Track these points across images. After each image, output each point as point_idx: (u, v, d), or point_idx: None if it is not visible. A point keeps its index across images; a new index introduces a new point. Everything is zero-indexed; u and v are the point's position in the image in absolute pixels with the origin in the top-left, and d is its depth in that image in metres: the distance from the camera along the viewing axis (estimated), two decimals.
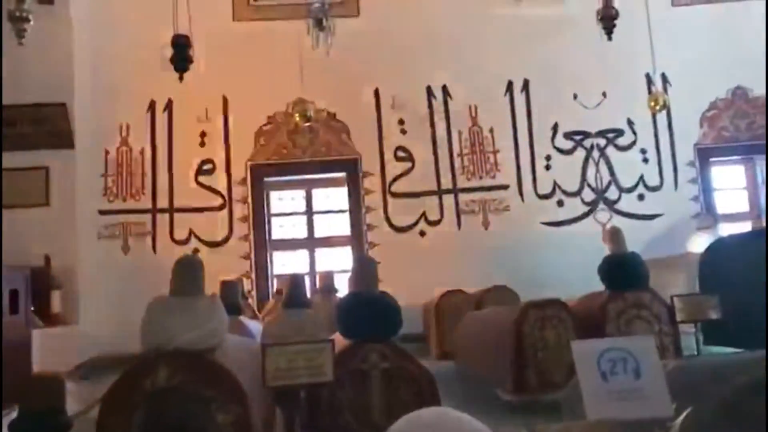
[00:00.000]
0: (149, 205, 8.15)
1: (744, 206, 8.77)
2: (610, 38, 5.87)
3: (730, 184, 8.83)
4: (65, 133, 7.39)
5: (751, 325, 4.55)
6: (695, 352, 3.95)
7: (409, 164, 8.32)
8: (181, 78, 5.16)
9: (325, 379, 2.48)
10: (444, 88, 8.44)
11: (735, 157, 8.76)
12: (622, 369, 1.32)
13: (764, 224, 8.32)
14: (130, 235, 8.03)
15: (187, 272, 2.67)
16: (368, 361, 2.89)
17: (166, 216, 8.13)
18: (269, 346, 2.46)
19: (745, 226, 8.49)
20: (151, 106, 8.30)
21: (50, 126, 7.41)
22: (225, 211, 8.18)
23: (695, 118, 8.57)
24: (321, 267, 8.17)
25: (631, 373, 1.32)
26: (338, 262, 8.15)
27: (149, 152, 8.25)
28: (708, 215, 8.14)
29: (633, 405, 1.27)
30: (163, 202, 8.16)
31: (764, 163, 8.63)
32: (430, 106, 8.43)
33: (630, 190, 8.43)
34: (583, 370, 1.33)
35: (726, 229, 7.83)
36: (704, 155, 8.56)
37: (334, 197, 8.57)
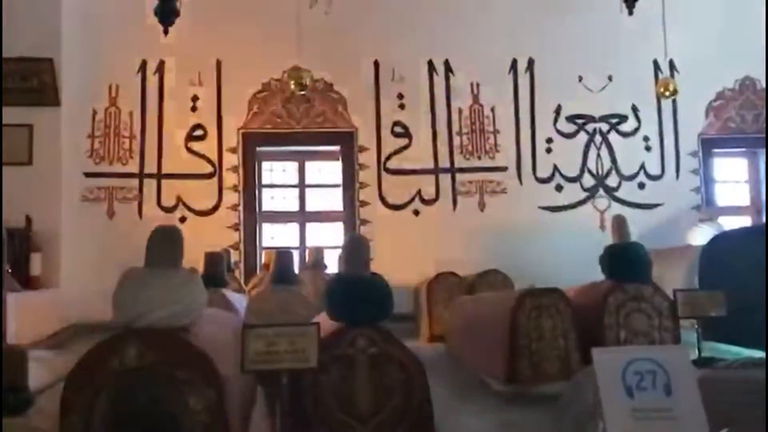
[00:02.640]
0: (136, 170, 7.91)
1: (745, 200, 8.61)
2: (631, 12, 5.63)
3: (732, 177, 8.66)
4: (51, 90, 7.13)
5: (752, 322, 4.42)
6: (696, 348, 3.79)
7: (406, 140, 8.09)
8: (165, 32, 4.87)
9: (308, 365, 2.29)
10: (446, 63, 8.18)
11: (739, 150, 8.58)
12: (650, 383, 1.14)
13: (765, 219, 8.19)
14: (116, 199, 7.80)
15: (164, 243, 2.47)
16: (355, 346, 2.71)
17: (154, 181, 7.89)
18: (248, 328, 2.27)
19: (745, 221, 8.37)
20: (142, 67, 8.02)
21: (36, 82, 7.15)
22: (215, 179, 7.96)
23: (701, 108, 8.37)
24: (311, 242, 7.99)
25: (661, 388, 1.13)
26: (329, 238, 7.98)
27: (138, 115, 7.99)
28: (710, 207, 7.98)
29: (662, 426, 1.08)
30: (151, 167, 7.92)
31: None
32: (431, 81, 8.18)
33: (630, 178, 8.26)
34: (606, 383, 1.14)
35: (725, 223, 7.67)
36: (708, 146, 8.38)
37: (327, 171, 8.35)
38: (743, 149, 8.57)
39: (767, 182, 8.21)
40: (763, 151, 8.44)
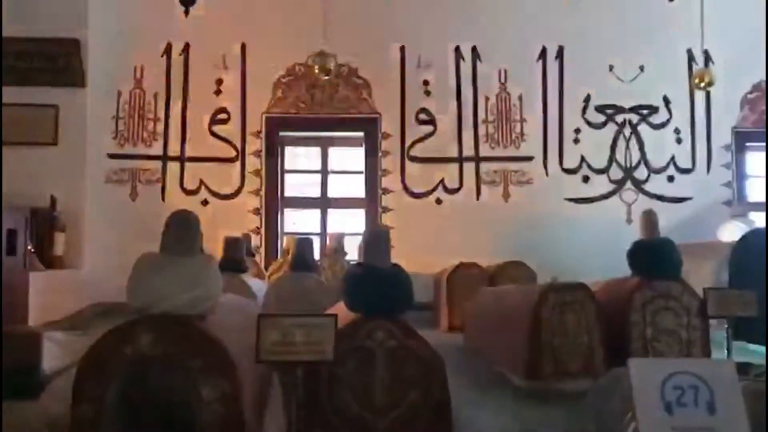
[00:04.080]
0: (160, 152, 7.91)
1: None
2: None
3: (765, 172, 8.39)
4: (77, 71, 7.15)
5: None
6: (725, 349, 3.67)
7: (430, 128, 7.98)
8: (186, 12, 4.80)
9: (324, 358, 2.24)
10: (474, 50, 8.03)
11: None
12: (692, 400, 1.04)
13: (765, 218, 7.94)
14: (139, 181, 7.82)
15: (181, 229, 2.41)
16: (374, 338, 2.65)
17: (177, 164, 7.89)
18: (264, 317, 2.21)
19: None
20: (168, 50, 7.99)
21: (62, 63, 7.17)
22: (237, 164, 7.93)
23: (735, 100, 8.12)
24: (332, 228, 7.94)
25: (704, 406, 1.04)
26: (350, 225, 7.92)
27: (163, 97, 7.98)
28: (742, 203, 7.77)
29: None
30: (174, 149, 7.93)
31: None
32: (458, 68, 8.04)
33: (660, 171, 8.06)
34: (642, 397, 1.05)
35: (757, 219, 7.45)
36: (741, 139, 8.14)
37: (350, 157, 8.28)
38: None
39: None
40: None
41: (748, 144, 8.17)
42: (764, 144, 8.28)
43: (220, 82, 7.99)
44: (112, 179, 7.76)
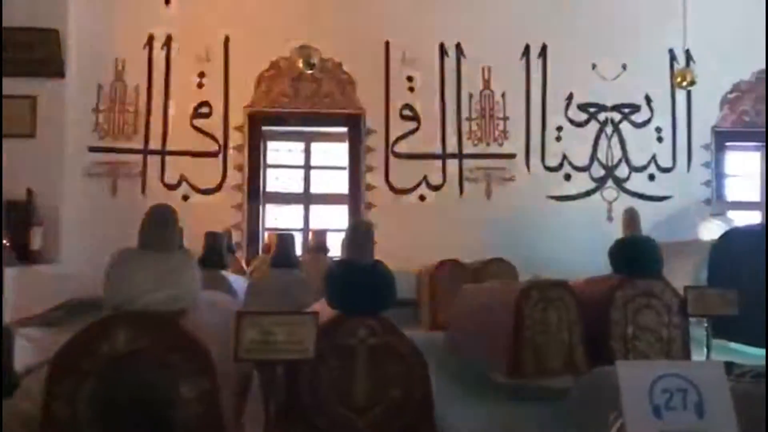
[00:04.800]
0: (141, 146, 7.80)
1: (755, 195, 8.47)
2: None
3: (744, 172, 8.51)
4: (56, 62, 7.01)
5: (763, 322, 4.32)
6: (705, 347, 3.70)
7: (414, 124, 7.96)
8: (167, 2, 4.72)
9: (305, 356, 2.21)
10: (458, 47, 8.03)
11: (752, 144, 8.42)
12: (680, 403, 1.03)
13: (765, 217, 8.06)
14: (119, 175, 7.71)
15: (159, 224, 2.37)
16: (355, 336, 2.63)
17: (158, 158, 7.79)
18: (243, 315, 2.18)
19: (755, 216, 8.23)
20: (149, 41, 7.88)
21: (40, 53, 7.02)
22: (219, 158, 7.85)
23: (716, 100, 8.21)
24: (315, 224, 7.90)
25: (693, 409, 1.03)
26: (333, 221, 7.88)
27: (144, 90, 7.87)
28: (721, 202, 7.86)
29: None
30: (155, 143, 7.82)
31: None
32: (442, 64, 8.02)
33: (641, 169, 8.12)
34: (631, 401, 1.03)
35: (735, 218, 7.54)
36: (721, 139, 8.23)
37: (333, 153, 8.23)
38: (757, 143, 8.40)
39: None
40: None
41: (727, 144, 8.27)
42: (743, 144, 8.40)
43: (202, 75, 7.91)
44: (92, 173, 7.65)
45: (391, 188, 7.89)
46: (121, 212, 7.22)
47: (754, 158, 8.51)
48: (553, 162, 8.06)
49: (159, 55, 7.89)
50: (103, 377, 2.07)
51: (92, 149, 7.68)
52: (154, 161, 7.79)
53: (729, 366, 2.05)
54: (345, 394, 2.60)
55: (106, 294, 2.22)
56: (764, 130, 8.19)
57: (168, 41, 7.89)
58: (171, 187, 7.74)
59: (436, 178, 7.92)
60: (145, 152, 7.80)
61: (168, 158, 7.80)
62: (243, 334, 2.17)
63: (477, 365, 4.21)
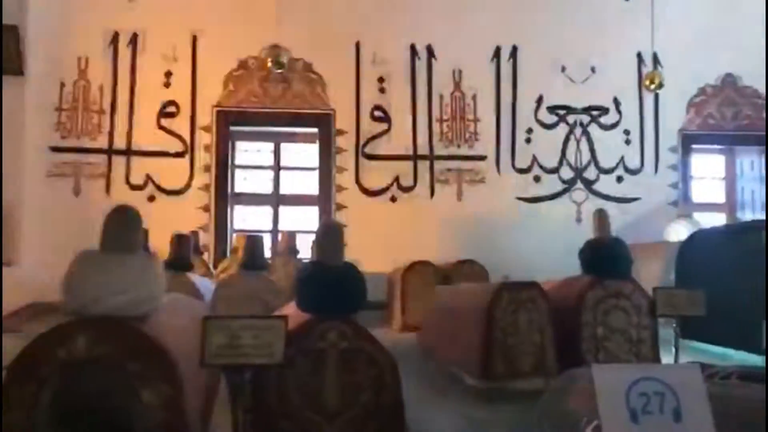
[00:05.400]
0: (105, 145, 7.64)
1: (721, 197, 8.63)
2: None
3: (709, 174, 8.66)
4: (15, 59, 6.81)
5: (729, 322, 4.37)
6: (673, 347, 3.72)
7: (385, 125, 7.93)
8: None
9: (274, 361, 2.14)
10: (429, 48, 8.02)
11: (717, 147, 8.58)
12: (657, 407, 1.00)
13: (739, 217, 8.21)
14: (83, 175, 7.53)
15: (121, 225, 2.28)
16: (325, 340, 2.57)
17: (123, 158, 7.64)
18: (210, 320, 2.11)
19: (720, 218, 8.39)
20: (114, 39, 7.72)
21: None
22: (186, 158, 7.72)
23: (682, 103, 8.34)
24: (285, 226, 7.81)
25: (670, 413, 1.00)
26: (303, 222, 7.80)
27: (109, 89, 7.70)
28: (687, 203, 7.98)
29: None
30: (120, 143, 7.66)
31: (745, 155, 8.49)
32: (413, 66, 8.01)
33: (609, 172, 8.21)
34: (607, 406, 1.00)
35: (701, 220, 7.67)
36: (687, 142, 8.36)
37: (303, 153, 8.15)
38: (721, 146, 8.57)
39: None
40: (741, 148, 8.47)
41: (693, 146, 8.40)
42: (708, 147, 8.55)
43: (169, 74, 7.77)
44: (54, 173, 7.46)
45: (362, 189, 7.84)
46: (85, 213, 7.05)
47: (719, 161, 8.67)
48: (523, 164, 8.10)
49: (124, 53, 7.74)
50: (61, 384, 1.98)
51: (54, 149, 7.50)
52: (119, 161, 7.63)
53: (702, 367, 2.04)
54: (314, 400, 2.54)
55: (65, 298, 2.13)
56: (729, 133, 8.36)
57: (134, 39, 7.74)
58: (136, 188, 7.59)
59: (407, 180, 7.90)
60: (109, 152, 7.63)
61: (133, 158, 7.65)
62: (209, 339, 2.09)
63: (448, 367, 4.18)
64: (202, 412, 2.50)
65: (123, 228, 2.28)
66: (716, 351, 4.76)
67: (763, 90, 8.29)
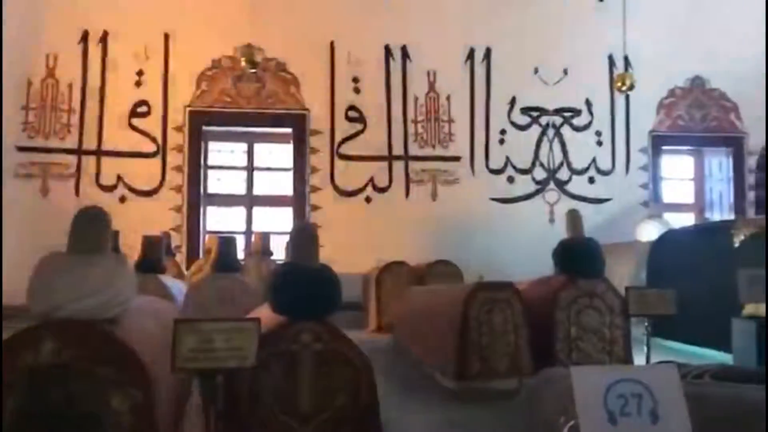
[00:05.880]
0: (75, 145, 7.50)
1: (690, 198, 8.78)
2: None
3: (679, 174, 8.80)
4: None
5: (699, 321, 4.44)
6: (644, 346, 3.76)
7: (360, 126, 7.91)
8: None
9: (246, 364, 2.11)
10: (403, 49, 8.02)
11: (686, 148, 8.73)
12: (635, 409, 1.00)
13: (708, 217, 8.36)
14: (51, 176, 7.38)
15: (89, 226, 2.23)
16: (299, 342, 2.53)
17: (93, 158, 7.51)
18: (181, 323, 2.07)
19: (689, 218, 8.53)
20: (84, 37, 7.59)
21: None
22: (158, 159, 7.62)
23: (653, 105, 8.47)
24: (258, 227, 7.74)
25: (647, 414, 1.00)
26: (277, 223, 7.75)
27: (78, 87, 7.56)
28: (657, 204, 8.10)
29: None
30: (90, 143, 7.53)
31: (713, 156, 8.65)
32: (388, 66, 8.00)
33: (581, 172, 8.30)
34: (585, 408, 1.00)
35: (671, 219, 7.79)
36: (657, 143, 8.49)
37: (277, 153, 8.10)
38: (690, 147, 8.72)
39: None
40: (709, 149, 8.63)
41: (663, 147, 8.53)
42: (677, 148, 8.69)
43: (141, 73, 7.67)
44: (20, 173, 7.31)
45: (337, 190, 7.81)
46: (53, 215, 6.88)
47: (688, 162, 8.82)
48: (496, 165, 8.14)
49: (94, 51, 7.61)
50: (27, 390, 1.93)
51: (21, 149, 7.35)
52: (89, 162, 7.50)
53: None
54: (288, 403, 2.51)
55: (30, 301, 2.07)
56: (698, 135, 8.50)
57: (104, 37, 7.61)
58: (107, 189, 7.47)
59: (382, 180, 7.89)
60: (79, 152, 7.50)
61: (104, 159, 7.53)
62: (181, 343, 2.05)
63: (424, 368, 4.17)
64: (173, 417, 2.46)
65: (91, 229, 2.23)
66: (687, 349, 4.84)
67: (730, 93, 8.44)
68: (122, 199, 7.44)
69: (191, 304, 3.85)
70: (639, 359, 3.88)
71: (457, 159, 8.07)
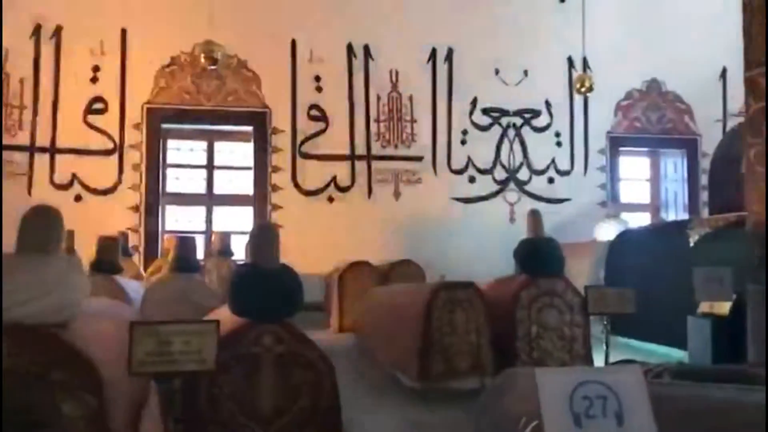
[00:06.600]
0: (27, 142, 7.27)
1: (646, 198, 8.97)
2: None
3: (636, 175, 8.99)
4: None
5: (655, 318, 4.53)
6: (604, 344, 3.82)
7: (322, 124, 7.86)
8: None
9: (206, 367, 2.07)
10: (366, 48, 8.00)
11: (643, 149, 8.91)
12: (600, 411, 1.00)
13: (663, 217, 8.55)
14: (2, 174, 7.13)
15: (40, 226, 2.14)
16: (260, 344, 2.49)
17: (46, 156, 7.29)
18: (137, 325, 2.01)
19: (645, 218, 8.72)
20: (37, 31, 7.36)
21: None
22: (115, 157, 7.44)
23: (610, 106, 8.62)
24: (218, 226, 7.63)
25: (613, 417, 1.00)
26: (238, 223, 7.64)
27: (31, 83, 7.34)
28: (615, 204, 8.25)
29: None
30: (43, 140, 7.31)
31: (668, 157, 8.86)
32: (350, 65, 7.97)
33: (541, 173, 8.40)
34: (550, 411, 0.99)
35: (628, 219, 7.95)
36: (615, 144, 8.65)
37: (238, 152, 7.99)
38: (647, 149, 8.90)
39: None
40: (665, 150, 8.84)
41: (621, 148, 8.70)
42: (634, 149, 8.87)
43: (96, 69, 7.47)
44: None
45: (299, 189, 7.75)
46: (4, 215, 6.67)
47: (645, 163, 9.01)
48: (458, 165, 8.18)
49: (48, 45, 7.38)
50: None
51: None
52: (42, 159, 7.28)
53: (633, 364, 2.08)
54: (249, 406, 2.46)
55: None
56: (654, 136, 8.70)
57: (58, 32, 7.40)
58: (62, 187, 7.27)
59: (344, 180, 7.85)
60: (32, 150, 7.27)
61: (58, 156, 7.32)
62: (137, 346, 1.99)
63: (386, 368, 4.16)
64: (129, 423, 2.39)
65: (41, 229, 2.15)
66: (644, 347, 4.94)
67: (684, 95, 8.66)
68: (78, 198, 7.25)
69: (149, 305, 3.76)
70: (598, 357, 3.94)
71: (419, 159, 8.08)
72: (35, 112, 7.32)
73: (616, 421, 1.01)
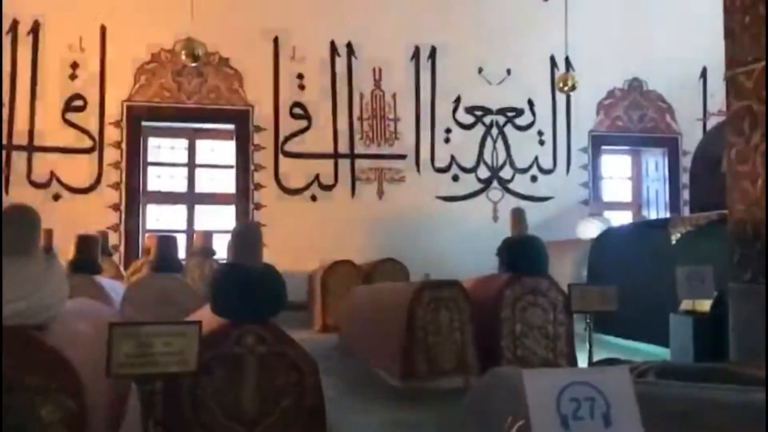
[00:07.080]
0: (3, 140, 7.14)
1: (627, 196, 9.04)
2: None
3: (617, 174, 9.05)
4: None
5: (638, 316, 4.56)
6: (587, 342, 3.83)
7: (305, 123, 7.82)
8: None
9: (187, 369, 2.03)
10: (349, 46, 7.96)
11: (624, 147, 8.98)
12: (588, 412, 0.99)
13: (645, 215, 8.62)
14: (2, 175, 7.02)
15: (15, 225, 2.09)
16: (243, 345, 2.46)
17: (24, 154, 7.17)
18: (117, 327, 1.97)
19: (627, 216, 8.78)
20: (13, 27, 7.24)
21: None
22: (95, 155, 7.34)
23: (592, 105, 8.66)
24: (200, 225, 7.56)
25: (600, 418, 0.99)
26: (219, 222, 7.58)
27: (7, 80, 7.21)
28: (597, 202, 8.30)
29: None
30: (20, 138, 7.19)
31: (650, 156, 8.93)
32: (333, 63, 7.93)
33: (524, 171, 8.42)
34: (538, 413, 0.98)
35: (611, 217, 8.00)
36: (597, 142, 8.70)
37: (220, 150, 7.92)
38: (628, 147, 8.97)
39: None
40: (646, 149, 8.91)
41: (603, 147, 8.76)
42: (616, 147, 8.94)
43: (75, 66, 7.37)
44: None
45: (282, 188, 7.70)
46: None
47: (626, 161, 9.08)
48: (441, 163, 8.18)
49: (25, 42, 7.27)
50: None
51: None
52: (19, 157, 7.16)
53: (614, 362, 2.09)
54: (232, 407, 2.43)
55: None
56: (636, 135, 8.76)
57: (35, 28, 7.28)
58: (40, 186, 7.16)
59: (327, 178, 7.82)
60: (8, 147, 7.15)
61: (36, 154, 7.21)
62: (117, 347, 1.95)
63: (370, 368, 4.14)
64: (109, 426, 2.35)
65: (17, 229, 2.09)
66: (626, 344, 4.97)
67: (666, 94, 8.73)
68: (56, 197, 7.15)
69: (129, 306, 3.71)
70: (581, 355, 3.96)
71: (402, 157, 8.07)
72: (12, 109, 7.21)
73: (604, 423, 1.00)
